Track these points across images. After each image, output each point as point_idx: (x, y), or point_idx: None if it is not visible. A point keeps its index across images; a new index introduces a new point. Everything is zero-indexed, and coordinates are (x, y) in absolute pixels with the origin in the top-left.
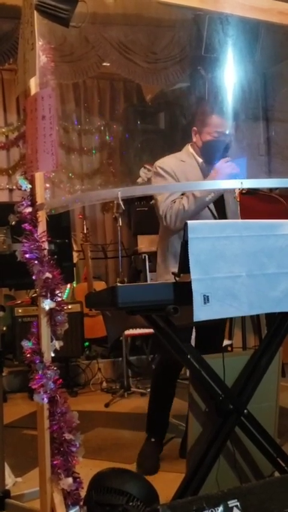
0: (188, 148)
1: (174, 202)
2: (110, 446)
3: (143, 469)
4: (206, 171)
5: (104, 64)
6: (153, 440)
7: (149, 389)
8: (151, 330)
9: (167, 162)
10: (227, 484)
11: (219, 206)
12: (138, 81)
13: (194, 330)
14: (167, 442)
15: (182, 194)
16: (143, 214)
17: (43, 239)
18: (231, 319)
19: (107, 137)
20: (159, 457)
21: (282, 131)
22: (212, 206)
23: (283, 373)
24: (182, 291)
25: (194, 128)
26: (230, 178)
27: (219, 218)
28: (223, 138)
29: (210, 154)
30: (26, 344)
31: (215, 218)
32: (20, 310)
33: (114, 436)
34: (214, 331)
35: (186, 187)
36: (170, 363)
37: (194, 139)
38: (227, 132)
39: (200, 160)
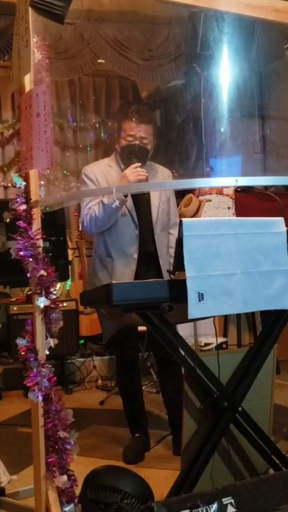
0: (114, 156)
1: (90, 209)
2: (105, 443)
3: (125, 458)
4: None
5: (99, 61)
6: (137, 435)
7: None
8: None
9: (91, 168)
10: (222, 481)
11: (142, 211)
12: (133, 78)
13: None
14: (161, 440)
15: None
16: None
17: (38, 236)
18: (226, 316)
19: (102, 134)
20: (145, 449)
21: (278, 129)
22: (133, 212)
23: (278, 370)
24: (177, 289)
25: (115, 135)
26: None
27: (140, 223)
28: (137, 141)
29: (127, 160)
30: (21, 342)
31: (134, 223)
32: (15, 308)
33: (109, 434)
34: None
35: (178, 185)
36: (127, 359)
37: (116, 146)
38: (142, 135)
39: (122, 165)
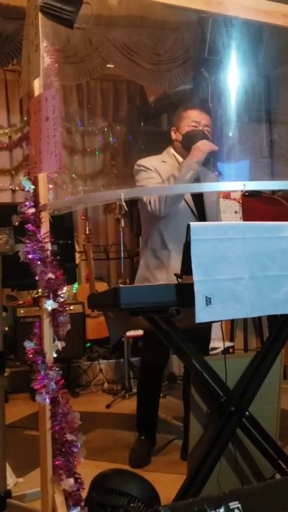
0: (169, 150)
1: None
2: (111, 447)
3: (131, 462)
4: None
5: (108, 65)
6: (143, 438)
7: None
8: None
9: (147, 160)
10: (228, 486)
11: (197, 203)
12: (141, 83)
13: None
14: (168, 444)
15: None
16: None
17: (46, 240)
18: (232, 321)
19: (110, 138)
20: (151, 453)
21: (286, 134)
22: (190, 202)
23: (285, 375)
24: (184, 293)
25: (173, 128)
26: (209, 154)
27: (198, 215)
28: (201, 128)
29: (191, 144)
30: (29, 344)
31: (193, 214)
32: (22, 311)
33: (115, 437)
34: (200, 335)
35: (187, 189)
36: (154, 363)
37: (174, 137)
38: (206, 123)
39: (181, 159)
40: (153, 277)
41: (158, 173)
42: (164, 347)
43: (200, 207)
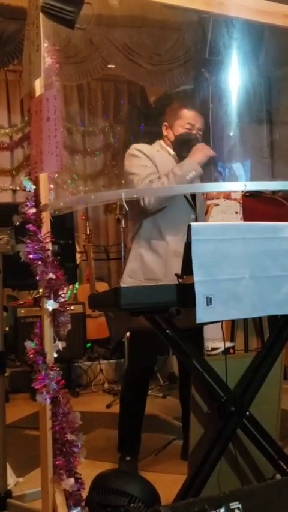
0: (160, 143)
1: (152, 182)
2: (112, 447)
3: None
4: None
5: (109, 66)
6: (128, 459)
7: (150, 391)
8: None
9: (144, 146)
10: (229, 486)
11: (195, 196)
12: (142, 83)
13: None
14: (168, 444)
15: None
16: None
17: (47, 240)
18: (233, 321)
19: (111, 139)
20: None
21: (286, 134)
22: (188, 196)
23: (285, 375)
24: (185, 293)
25: (165, 123)
26: (207, 159)
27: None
28: (195, 131)
29: (183, 147)
30: (29, 344)
31: (191, 206)
32: (22, 311)
33: (115, 438)
34: (194, 334)
35: (187, 189)
36: (142, 372)
37: (165, 134)
38: (199, 126)
39: (173, 153)
40: (147, 270)
41: (154, 162)
42: (154, 349)
43: (197, 199)
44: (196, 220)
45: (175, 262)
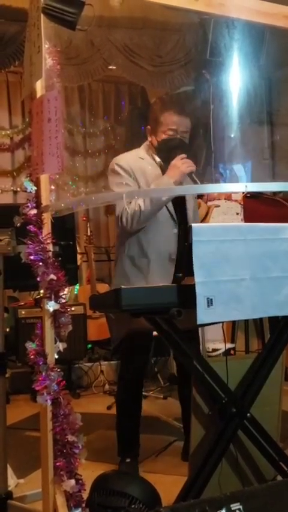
0: (146, 146)
1: (130, 202)
2: (113, 448)
3: None
4: (165, 170)
5: (110, 67)
6: (128, 460)
7: (151, 392)
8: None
9: (124, 159)
10: (229, 487)
11: (179, 209)
12: (143, 84)
13: None
14: (169, 446)
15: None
16: None
17: (48, 241)
18: (234, 322)
19: (112, 140)
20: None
21: (287, 135)
22: (171, 208)
23: (286, 377)
24: (186, 294)
25: (148, 127)
26: (185, 176)
27: (179, 221)
28: (179, 135)
29: (166, 154)
30: (30, 345)
31: (173, 221)
32: (23, 312)
33: (116, 439)
34: (191, 335)
35: (187, 190)
36: (136, 371)
37: (149, 139)
38: (183, 129)
39: (158, 159)
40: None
41: (135, 176)
42: (147, 349)
43: (181, 212)
44: (178, 234)
45: (156, 281)
